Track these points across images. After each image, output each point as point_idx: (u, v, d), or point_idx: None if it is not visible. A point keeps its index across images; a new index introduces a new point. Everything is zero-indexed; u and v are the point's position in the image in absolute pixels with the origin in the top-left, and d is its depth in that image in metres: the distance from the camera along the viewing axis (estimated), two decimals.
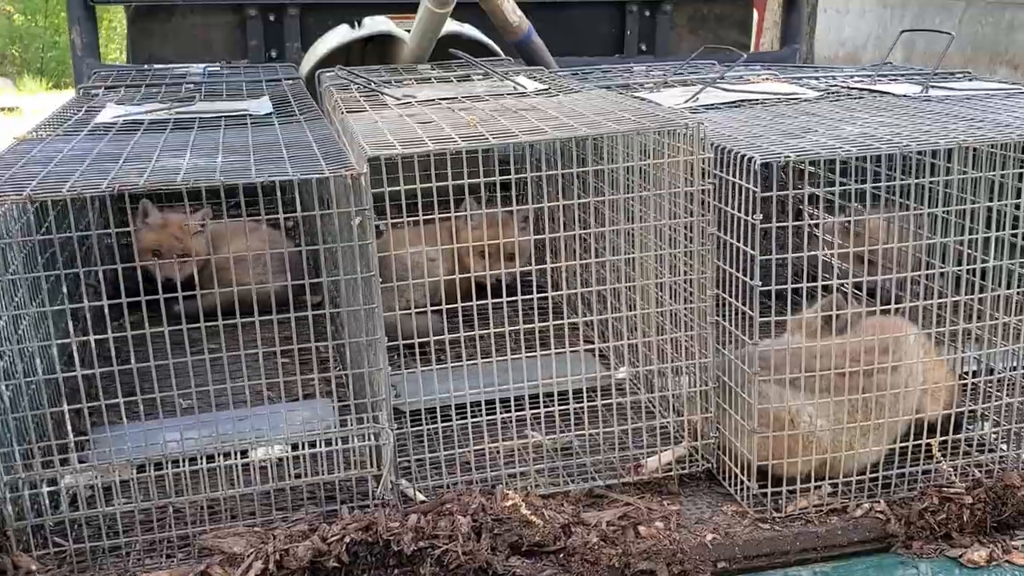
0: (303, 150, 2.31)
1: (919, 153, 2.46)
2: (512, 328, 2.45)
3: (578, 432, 2.56)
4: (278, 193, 2.06)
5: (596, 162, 2.76)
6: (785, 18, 5.51)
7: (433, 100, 2.89)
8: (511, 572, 2.14)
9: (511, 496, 2.25)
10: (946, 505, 2.38)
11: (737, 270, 2.26)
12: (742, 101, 2.99)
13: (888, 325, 2.57)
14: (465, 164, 2.19)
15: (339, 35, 4.20)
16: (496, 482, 2.41)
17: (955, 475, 2.41)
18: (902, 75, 3.76)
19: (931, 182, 2.38)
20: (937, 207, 2.43)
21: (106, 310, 2.07)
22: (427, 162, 2.28)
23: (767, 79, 3.50)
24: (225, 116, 2.85)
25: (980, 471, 2.46)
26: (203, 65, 4.24)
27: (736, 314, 2.31)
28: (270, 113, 2.95)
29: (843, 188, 2.29)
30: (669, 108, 2.65)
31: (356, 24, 4.24)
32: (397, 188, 2.16)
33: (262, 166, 2.09)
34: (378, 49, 4.39)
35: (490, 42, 4.18)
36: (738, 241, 2.24)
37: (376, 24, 4.14)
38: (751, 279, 2.21)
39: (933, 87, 3.38)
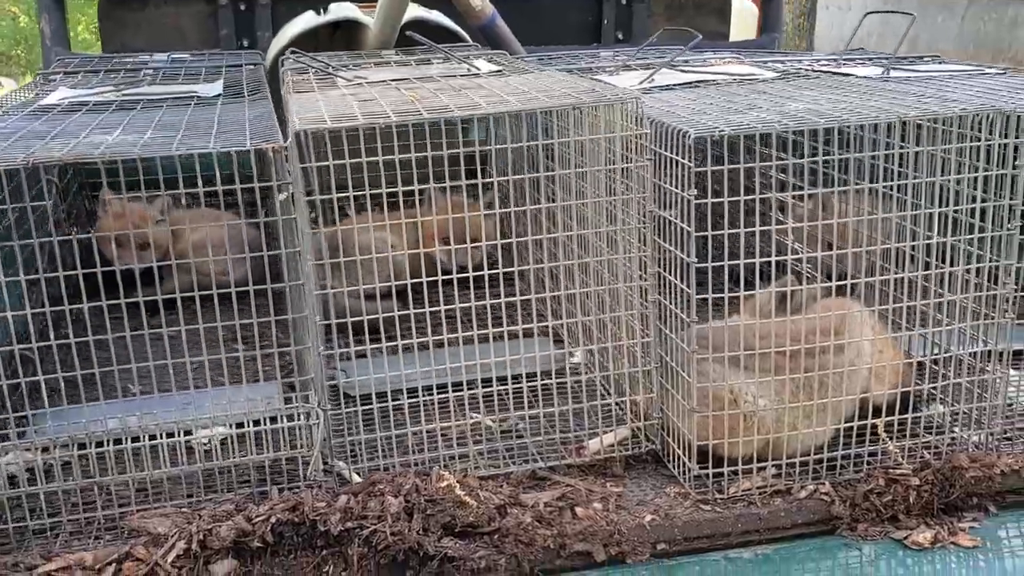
0: (236, 127, 2.28)
1: (859, 127, 2.42)
2: (463, 305, 2.41)
3: (524, 413, 2.52)
4: (197, 168, 2.02)
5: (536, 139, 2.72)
6: (764, 7, 5.47)
7: (384, 81, 2.86)
8: (443, 553, 2.10)
9: (446, 477, 2.22)
10: (892, 487, 2.34)
11: (676, 247, 2.22)
12: (698, 82, 2.96)
13: (836, 306, 2.53)
14: (414, 137, 2.14)
15: (304, 21, 4.18)
16: (437, 463, 2.38)
17: (902, 456, 2.37)
18: (869, 59, 3.72)
19: (873, 157, 2.34)
20: (885, 183, 2.39)
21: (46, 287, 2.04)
22: (380, 142, 2.26)
23: (729, 61, 3.46)
24: (171, 97, 2.82)
25: (929, 452, 2.42)
26: (168, 53, 4.22)
27: (676, 293, 2.27)
28: (218, 95, 2.92)
29: (781, 164, 2.24)
30: (609, 85, 2.62)
31: (323, 11, 4.21)
32: (327, 163, 2.13)
33: (186, 141, 2.06)
34: (345, 35, 4.37)
35: (457, 28, 4.15)
36: (675, 217, 2.20)
37: (341, 10, 4.12)
38: (687, 256, 2.18)
39: (897, 69, 3.34)
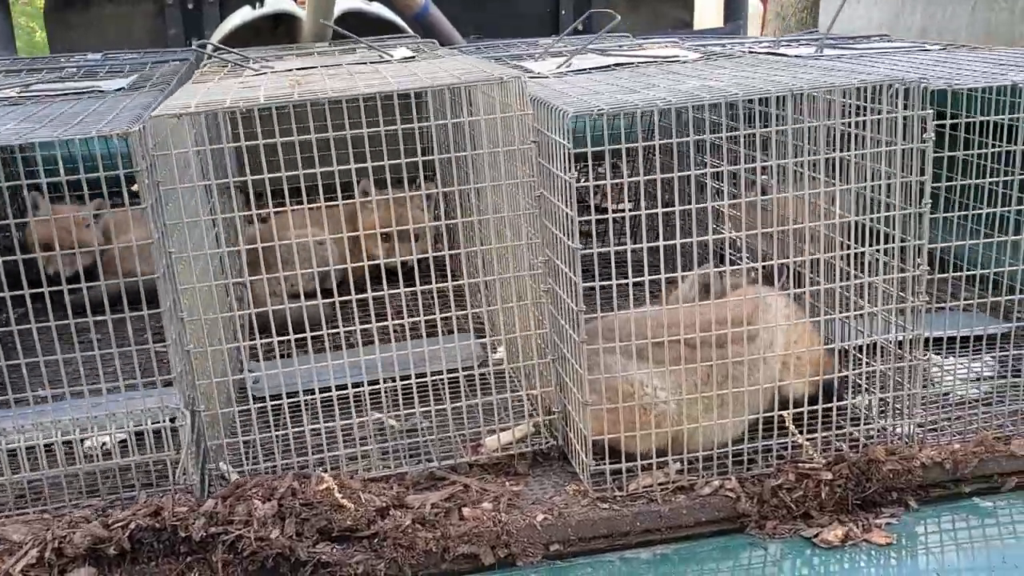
0: (107, 116, 2.19)
1: (748, 102, 2.31)
2: (375, 294, 2.30)
3: (424, 410, 2.42)
4: (37, 154, 1.93)
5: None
6: None
7: (289, 70, 2.77)
8: (316, 559, 2.00)
9: (325, 479, 2.12)
10: (803, 482, 2.22)
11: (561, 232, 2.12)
12: (616, 64, 2.84)
13: (751, 294, 2.41)
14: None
15: (239, 16, 4.10)
16: (327, 464, 2.28)
17: (814, 450, 2.25)
18: (814, 40, 3.60)
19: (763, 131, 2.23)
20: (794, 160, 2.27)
21: None
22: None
23: (664, 45, 3.35)
24: (69, 93, 2.74)
25: (847, 445, 2.30)
26: (101, 53, 4.14)
27: (566, 281, 2.16)
28: (120, 89, 2.84)
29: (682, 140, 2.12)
30: (496, 66, 2.51)
31: (258, 4, 4.13)
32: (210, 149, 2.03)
33: (38, 131, 1.97)
34: (287, 29, 4.29)
35: (396, 19, 4.05)
36: (558, 200, 2.09)
37: (275, 3, 4.03)
38: (571, 241, 2.07)
39: (838, 48, 3.23)
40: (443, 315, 2.33)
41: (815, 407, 2.26)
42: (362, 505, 2.08)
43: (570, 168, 2.01)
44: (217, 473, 2.22)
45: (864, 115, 2.15)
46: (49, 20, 4.74)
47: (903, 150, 2.11)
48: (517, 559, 2.10)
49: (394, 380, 2.38)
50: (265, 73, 2.75)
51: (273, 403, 2.32)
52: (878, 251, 2.23)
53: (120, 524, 1.95)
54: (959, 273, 2.61)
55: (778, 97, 2.35)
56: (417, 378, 2.36)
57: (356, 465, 2.31)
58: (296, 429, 2.27)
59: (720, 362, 2.18)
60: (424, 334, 2.39)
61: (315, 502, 2.07)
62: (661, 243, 2.03)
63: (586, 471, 2.23)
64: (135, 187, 2.02)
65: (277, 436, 2.29)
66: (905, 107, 2.05)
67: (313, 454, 2.31)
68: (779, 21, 12.06)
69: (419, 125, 2.10)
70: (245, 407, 2.30)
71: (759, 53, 3.11)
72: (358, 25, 3.75)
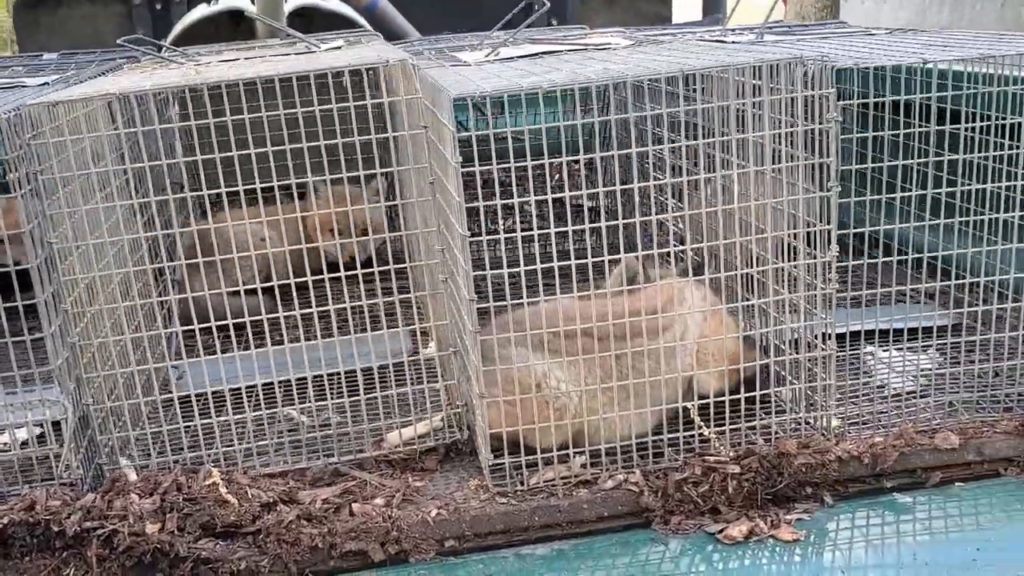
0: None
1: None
2: (295, 281, 2.26)
3: (336, 403, 2.37)
4: None
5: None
6: None
7: (212, 63, 2.75)
8: (197, 555, 1.96)
9: (213, 474, 2.08)
10: (710, 475, 2.14)
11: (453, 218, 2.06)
12: (542, 53, 2.78)
13: (665, 287, 2.34)
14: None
15: (195, 14, 4.09)
16: (231, 459, 2.24)
17: (721, 442, 2.18)
18: (768, 29, 3.52)
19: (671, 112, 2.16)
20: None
21: None
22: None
23: (604, 35, 3.28)
24: None
25: (761, 438, 2.22)
26: (58, 52, 4.13)
27: (459, 269, 2.10)
28: (44, 84, 2.83)
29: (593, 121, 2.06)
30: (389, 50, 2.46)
31: (214, 1, 4.12)
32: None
33: None
34: (249, 27, 4.26)
35: (352, 14, 4.02)
36: (449, 185, 2.04)
37: (231, 2, 4.02)
38: (461, 228, 2.01)
39: (789, 35, 3.15)
40: (371, 305, 2.28)
41: (722, 399, 2.18)
42: (247, 500, 2.03)
43: (456, 152, 1.96)
44: (116, 468, 2.18)
45: (770, 96, 2.08)
46: (18, 20, 4.75)
47: (806, 131, 2.03)
48: (409, 555, 2.04)
49: (318, 376, 2.35)
50: (183, 65, 2.72)
51: (181, 397, 2.29)
52: (790, 236, 2.16)
53: None
54: (889, 258, 2.52)
55: (688, 78, 2.28)
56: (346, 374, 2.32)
57: (255, 461, 2.26)
58: (187, 424, 2.23)
59: (617, 353, 2.11)
60: (352, 329, 2.35)
61: (199, 497, 2.03)
62: (552, 230, 1.97)
63: (486, 465, 2.17)
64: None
65: (167, 431, 2.24)
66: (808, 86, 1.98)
67: (206, 448, 2.25)
68: (799, 21, 11.98)
69: (302, 110, 2.05)
70: (139, 400, 2.26)
71: (694, 41, 3.04)
72: (314, 19, 3.73)
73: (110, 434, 2.16)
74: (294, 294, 2.22)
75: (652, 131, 2.65)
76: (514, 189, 1.95)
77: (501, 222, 1.91)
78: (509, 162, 1.93)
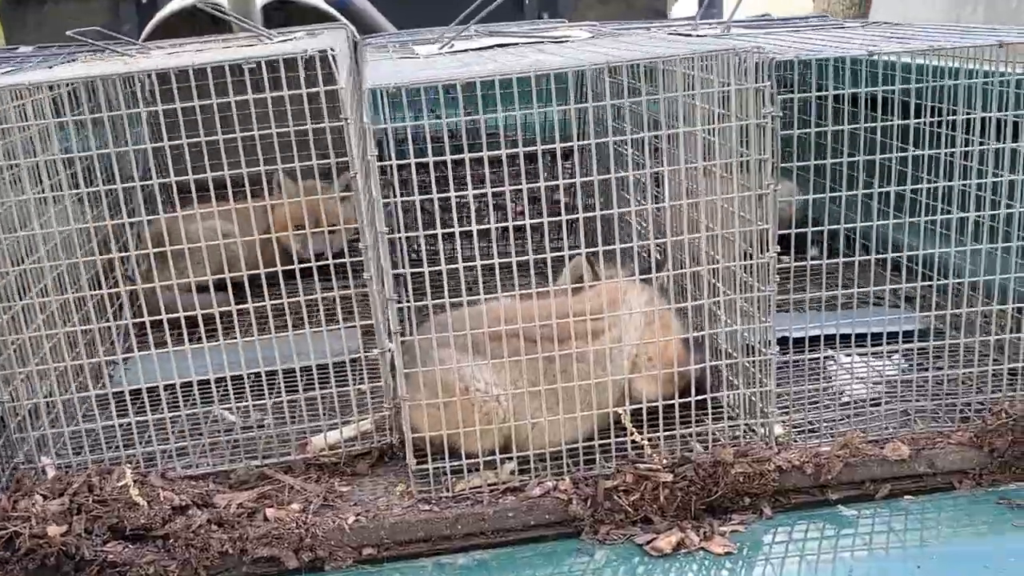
0: None
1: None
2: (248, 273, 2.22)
3: (266, 403, 2.31)
4: None
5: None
6: None
7: (152, 55, 2.71)
8: (103, 558, 1.90)
9: (126, 476, 2.02)
10: (642, 484, 2.06)
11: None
12: (496, 45, 2.71)
13: (609, 289, 2.26)
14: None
15: (168, 8, 4.05)
16: (149, 459, 2.19)
17: (655, 450, 2.09)
18: (743, 23, 3.42)
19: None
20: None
21: None
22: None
23: (569, 28, 3.21)
24: None
25: (699, 445, 2.14)
26: (35, 45, 4.11)
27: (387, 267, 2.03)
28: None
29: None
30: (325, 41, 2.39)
31: None
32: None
33: None
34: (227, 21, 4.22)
35: (328, 8, 3.96)
36: (369, 181, 1.97)
37: None
38: (380, 225, 1.94)
39: (760, 29, 3.05)
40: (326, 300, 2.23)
41: (661, 404, 2.09)
42: (158, 503, 1.98)
43: (372, 146, 1.89)
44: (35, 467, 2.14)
45: (707, 88, 1.99)
46: (4, 15, 4.75)
47: (741, 126, 1.95)
48: (325, 563, 1.98)
49: (257, 374, 2.29)
50: (134, 57, 2.68)
51: (116, 392, 2.25)
52: (728, 235, 2.07)
53: None
54: (850, 258, 2.42)
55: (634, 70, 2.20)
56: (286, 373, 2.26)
57: (179, 462, 2.20)
58: (106, 424, 2.17)
59: (547, 355, 2.03)
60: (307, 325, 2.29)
61: (109, 499, 1.97)
62: (474, 226, 1.89)
63: (410, 471, 2.10)
64: None
65: (99, 428, 2.19)
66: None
67: (129, 448, 2.20)
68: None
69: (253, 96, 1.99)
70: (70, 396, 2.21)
71: (661, 34, 2.95)
72: (290, 13, 3.69)
73: (27, 432, 2.11)
74: (248, 291, 2.17)
75: (613, 124, 2.56)
76: (451, 187, 1.87)
77: (438, 220, 1.82)
78: (428, 158, 1.85)
